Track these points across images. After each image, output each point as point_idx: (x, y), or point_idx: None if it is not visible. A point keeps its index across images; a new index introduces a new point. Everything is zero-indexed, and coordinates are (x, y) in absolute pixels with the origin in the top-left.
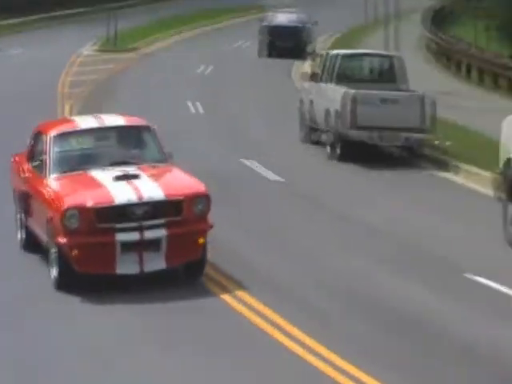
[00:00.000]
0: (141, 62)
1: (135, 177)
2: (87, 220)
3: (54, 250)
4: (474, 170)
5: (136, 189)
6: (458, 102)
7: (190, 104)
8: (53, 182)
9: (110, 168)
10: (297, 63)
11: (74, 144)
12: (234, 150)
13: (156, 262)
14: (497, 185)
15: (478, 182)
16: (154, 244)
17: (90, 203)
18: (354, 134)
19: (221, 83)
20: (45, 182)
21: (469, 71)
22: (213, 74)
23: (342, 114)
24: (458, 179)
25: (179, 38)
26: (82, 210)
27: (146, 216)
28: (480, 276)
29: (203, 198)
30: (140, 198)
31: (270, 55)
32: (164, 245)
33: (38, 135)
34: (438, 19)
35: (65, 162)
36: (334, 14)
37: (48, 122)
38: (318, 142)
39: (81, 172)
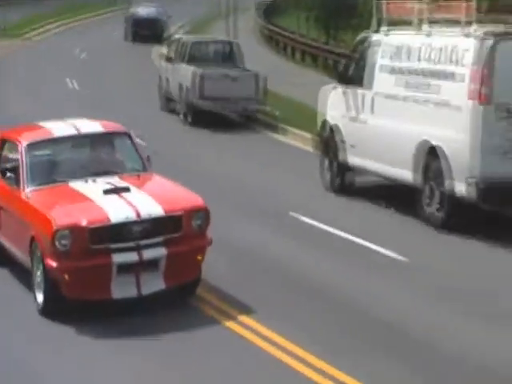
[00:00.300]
0: (27, 47)
1: (125, 190)
2: (80, 241)
3: (39, 273)
4: (298, 131)
5: (131, 204)
6: (285, 78)
7: (68, 81)
8: (32, 197)
9: (91, 179)
10: (156, 47)
11: (50, 153)
12: (104, 118)
13: (154, 284)
14: (315, 143)
15: (302, 141)
16: (152, 264)
17: (83, 222)
18: (202, 104)
19: (94, 64)
20: (21, 195)
21: (293, 53)
22: (87, 56)
23: (192, 88)
24: (286, 139)
25: (62, 27)
26: (74, 230)
27: (144, 234)
28: (304, 216)
29: (202, 213)
30: (138, 215)
31: (133, 41)
32: (163, 264)
33: (5, 143)
34: (269, 11)
35: (42, 174)
36: (186, 7)
37: (17, 129)
38: (173, 111)
39: (61, 184)
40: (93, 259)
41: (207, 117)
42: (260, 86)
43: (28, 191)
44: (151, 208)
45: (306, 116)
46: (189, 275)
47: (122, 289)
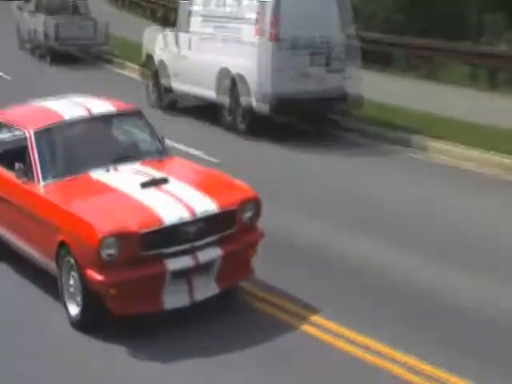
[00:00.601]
0: None
1: (164, 181)
2: (130, 249)
3: (72, 282)
4: (128, 63)
5: (180, 200)
6: (123, 25)
7: None
8: (52, 192)
9: (112, 167)
10: (15, 2)
11: (63, 139)
12: None
13: (207, 288)
14: (141, 72)
15: (134, 72)
16: (205, 267)
17: (133, 227)
18: (58, 47)
19: None
20: (36, 190)
21: (130, 6)
22: None
23: (49, 34)
24: (125, 72)
25: None
26: (123, 237)
27: (199, 234)
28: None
29: (254, 204)
30: (193, 213)
31: None
32: (217, 266)
33: (6, 128)
34: None
35: (57, 164)
36: None
37: (17, 112)
38: (33, 54)
39: (81, 175)
40: (144, 268)
41: (63, 57)
42: (101, 31)
43: (44, 185)
44: (204, 204)
45: (138, 52)
46: (242, 274)
47: (173, 298)
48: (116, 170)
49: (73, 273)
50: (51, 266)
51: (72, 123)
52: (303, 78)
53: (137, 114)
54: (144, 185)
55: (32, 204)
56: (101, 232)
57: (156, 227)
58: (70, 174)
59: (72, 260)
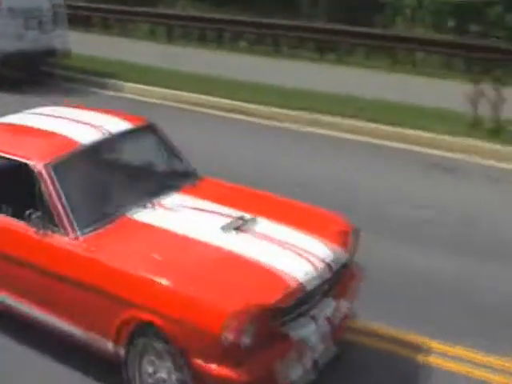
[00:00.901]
0: None
1: (253, 222)
2: (260, 327)
3: (164, 375)
4: None
5: (296, 251)
6: None
7: None
8: (97, 248)
9: (150, 203)
10: None
11: (85, 172)
12: None
13: (327, 349)
14: None
15: None
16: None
17: (263, 297)
18: None
19: None
20: (68, 244)
21: None
22: None
23: None
24: None
25: None
26: (256, 314)
27: (320, 291)
28: None
29: (355, 239)
30: (323, 267)
31: None
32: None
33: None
34: None
35: (88, 206)
36: None
37: (11, 138)
38: None
39: (120, 218)
40: (273, 348)
41: None
42: None
43: (82, 237)
44: (324, 252)
45: None
46: (348, 319)
47: (298, 372)
48: (159, 205)
49: (157, 361)
50: (106, 347)
51: (91, 149)
52: (20, 38)
53: (152, 127)
54: (236, 228)
55: (64, 265)
56: (225, 312)
57: (289, 293)
58: (106, 219)
59: (163, 346)
